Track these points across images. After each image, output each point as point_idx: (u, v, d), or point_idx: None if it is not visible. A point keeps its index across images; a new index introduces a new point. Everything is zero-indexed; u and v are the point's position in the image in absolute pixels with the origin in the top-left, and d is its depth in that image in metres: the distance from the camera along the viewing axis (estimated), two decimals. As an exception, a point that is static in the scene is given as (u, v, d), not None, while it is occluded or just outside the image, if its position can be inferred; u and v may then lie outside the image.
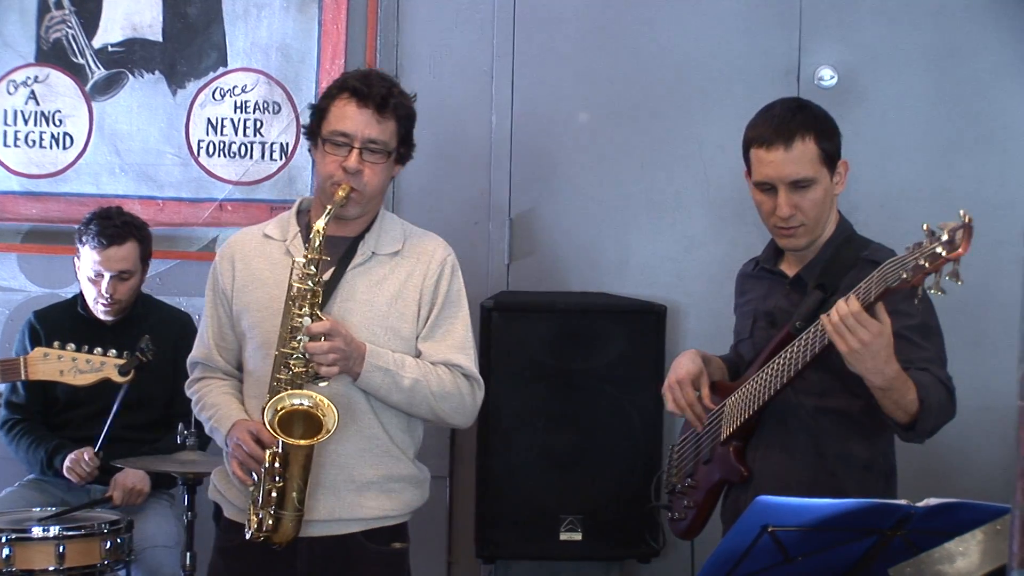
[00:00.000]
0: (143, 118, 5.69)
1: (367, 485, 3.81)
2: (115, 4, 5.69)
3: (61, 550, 4.46)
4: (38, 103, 5.71)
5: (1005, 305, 5.30)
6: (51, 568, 4.47)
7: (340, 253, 3.82)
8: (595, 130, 5.64)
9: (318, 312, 3.65)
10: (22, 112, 5.71)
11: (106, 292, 5.06)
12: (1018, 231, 2.52)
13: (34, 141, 5.71)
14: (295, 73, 5.63)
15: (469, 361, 3.89)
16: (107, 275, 5.06)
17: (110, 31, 5.70)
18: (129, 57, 5.70)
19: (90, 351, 4.52)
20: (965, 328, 5.28)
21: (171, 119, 5.68)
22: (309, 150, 3.97)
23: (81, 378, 4.50)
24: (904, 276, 3.16)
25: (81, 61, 5.69)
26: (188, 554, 4.65)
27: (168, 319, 5.27)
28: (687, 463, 3.99)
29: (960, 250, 3.05)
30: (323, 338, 3.61)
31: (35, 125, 5.71)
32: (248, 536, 3.71)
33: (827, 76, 5.52)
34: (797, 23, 5.55)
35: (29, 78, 5.71)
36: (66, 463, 4.96)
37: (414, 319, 3.85)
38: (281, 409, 3.62)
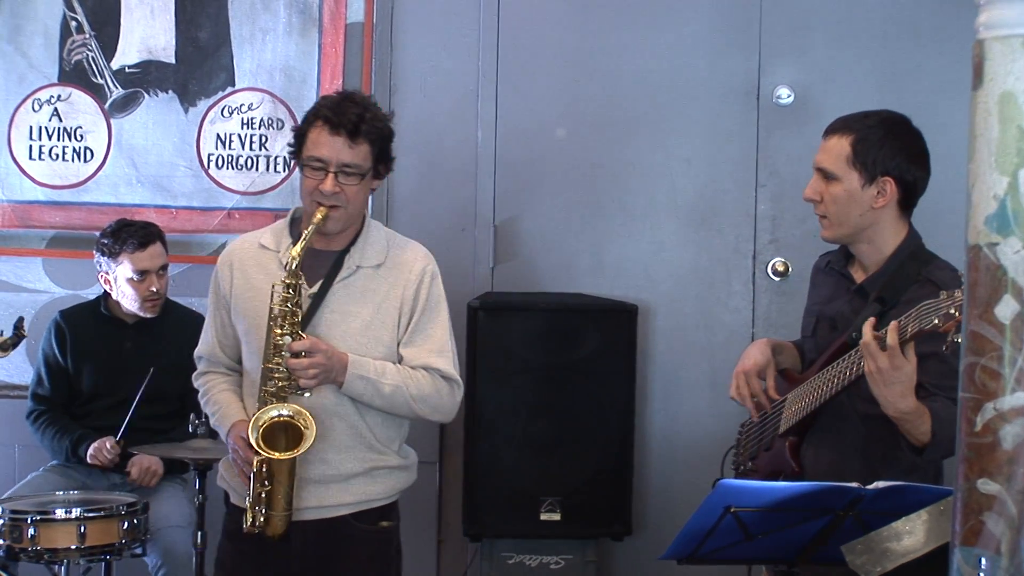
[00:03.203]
0: (158, 134, 5.67)
1: (353, 477, 3.78)
2: (132, 29, 5.66)
3: (82, 530, 4.44)
4: (61, 120, 5.68)
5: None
6: (73, 547, 4.45)
7: (327, 267, 3.77)
8: (572, 144, 5.63)
9: (299, 331, 3.63)
10: (46, 128, 5.68)
11: (154, 288, 5.07)
12: (959, 235, 2.51)
13: (57, 155, 5.69)
14: (297, 92, 5.61)
15: (448, 364, 3.83)
16: (152, 272, 5.05)
17: (127, 54, 5.67)
18: (145, 78, 5.67)
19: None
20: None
21: (183, 134, 5.65)
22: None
23: None
24: (936, 322, 3.05)
25: (101, 81, 5.67)
26: (199, 533, 4.61)
27: (184, 318, 5.25)
28: (752, 445, 3.87)
29: None
30: (303, 354, 3.60)
31: (58, 140, 5.68)
32: (245, 529, 3.70)
33: (784, 95, 5.52)
34: (757, 46, 5.55)
35: (53, 97, 5.69)
36: (90, 451, 4.95)
37: (395, 327, 3.79)
38: (263, 424, 3.60)
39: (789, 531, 3.14)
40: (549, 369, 5.15)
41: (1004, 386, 2.09)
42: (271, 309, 3.64)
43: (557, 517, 5.11)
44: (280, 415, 3.62)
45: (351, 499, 3.79)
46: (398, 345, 3.82)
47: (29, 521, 4.42)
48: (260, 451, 3.59)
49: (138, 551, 4.70)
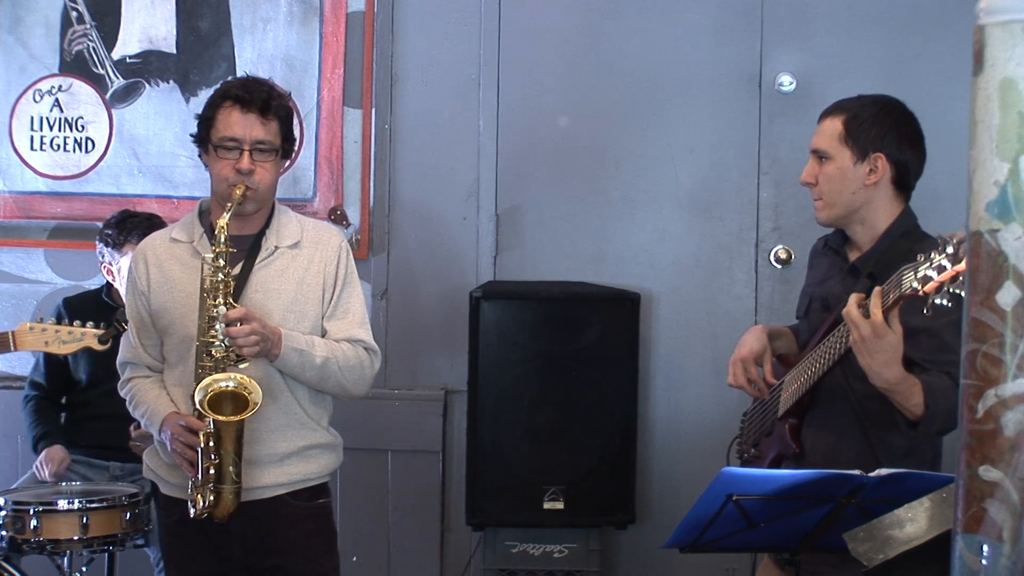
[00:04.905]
0: (159, 124, 5.68)
1: (288, 456, 3.85)
2: (132, 19, 5.67)
3: (85, 521, 4.44)
4: (62, 110, 5.69)
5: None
6: (76, 537, 4.44)
7: (246, 249, 3.84)
8: (574, 133, 5.63)
9: (231, 300, 3.68)
10: (47, 119, 5.70)
11: None
12: (960, 221, 2.50)
13: (59, 145, 5.70)
14: (298, 82, 5.60)
15: (368, 334, 3.95)
16: None
17: (128, 44, 5.68)
18: (146, 67, 5.68)
19: (70, 324, 4.53)
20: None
21: (185, 124, 5.65)
22: (200, 156, 3.95)
23: (65, 347, 4.52)
24: (915, 286, 3.05)
25: (101, 71, 5.67)
26: (202, 525, 4.62)
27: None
28: (754, 432, 3.89)
29: (962, 264, 2.91)
30: (239, 323, 3.64)
31: (60, 131, 5.69)
32: (193, 515, 3.73)
33: (786, 82, 5.51)
34: (759, 34, 5.55)
35: (54, 87, 5.69)
36: (41, 455, 4.96)
37: (319, 301, 3.89)
38: (210, 392, 3.64)
39: (791, 519, 3.15)
40: (552, 358, 5.16)
41: (1006, 373, 2.08)
42: (202, 281, 3.69)
43: (560, 506, 5.11)
44: (227, 385, 3.66)
45: (286, 479, 3.85)
46: (322, 318, 3.91)
47: (32, 512, 4.42)
48: (208, 414, 3.62)
49: (140, 542, 4.70)
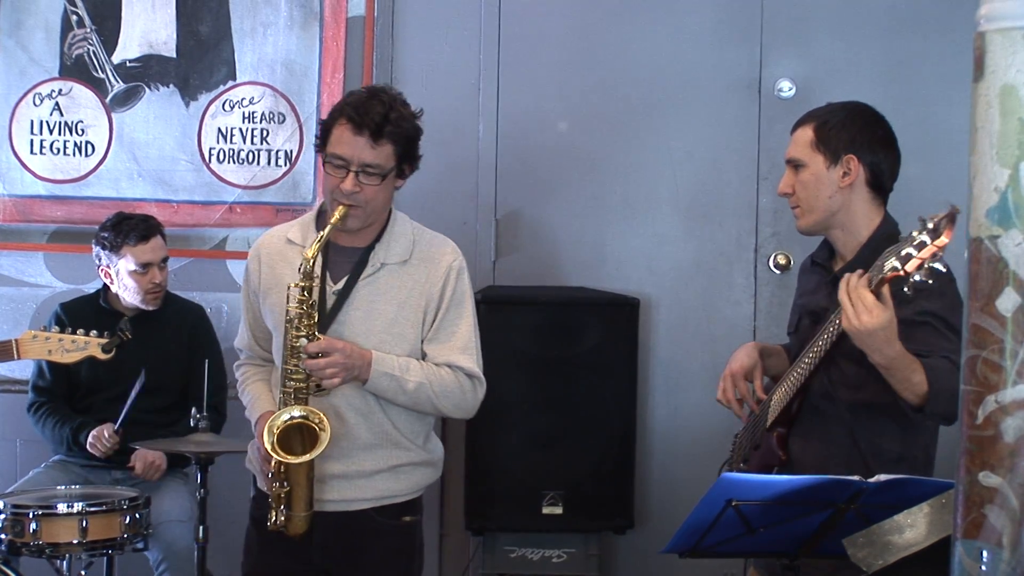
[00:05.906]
0: (159, 128, 5.67)
1: (376, 473, 3.78)
2: (133, 23, 5.66)
3: (84, 524, 4.44)
4: (62, 114, 5.69)
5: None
6: (75, 541, 4.45)
7: (352, 263, 3.76)
8: (574, 138, 5.63)
9: (315, 332, 3.62)
10: (47, 122, 5.69)
11: (157, 280, 5.09)
12: (962, 229, 2.48)
13: (59, 149, 5.69)
14: (298, 86, 5.60)
15: (471, 362, 3.83)
16: (154, 265, 5.07)
17: (128, 48, 5.67)
18: (146, 72, 5.68)
19: (74, 332, 4.52)
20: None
21: (185, 128, 5.66)
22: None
23: (68, 356, 4.51)
24: (896, 265, 3.05)
25: (102, 75, 5.67)
26: (201, 528, 4.62)
27: (183, 310, 5.27)
28: (745, 449, 3.86)
29: (943, 239, 2.95)
30: (320, 355, 3.59)
31: (59, 134, 5.69)
32: (268, 526, 3.71)
33: (786, 88, 5.52)
34: (758, 39, 5.55)
35: (54, 91, 5.69)
36: (89, 439, 4.94)
37: (419, 324, 3.78)
38: (278, 428, 3.60)
39: (791, 524, 3.14)
40: (551, 363, 5.16)
41: (1005, 379, 2.09)
42: (287, 311, 3.64)
43: (559, 511, 5.11)
44: (292, 417, 3.61)
45: (373, 494, 3.79)
46: (422, 342, 3.81)
47: (31, 515, 4.42)
48: (275, 455, 3.58)
49: (139, 546, 4.69)
